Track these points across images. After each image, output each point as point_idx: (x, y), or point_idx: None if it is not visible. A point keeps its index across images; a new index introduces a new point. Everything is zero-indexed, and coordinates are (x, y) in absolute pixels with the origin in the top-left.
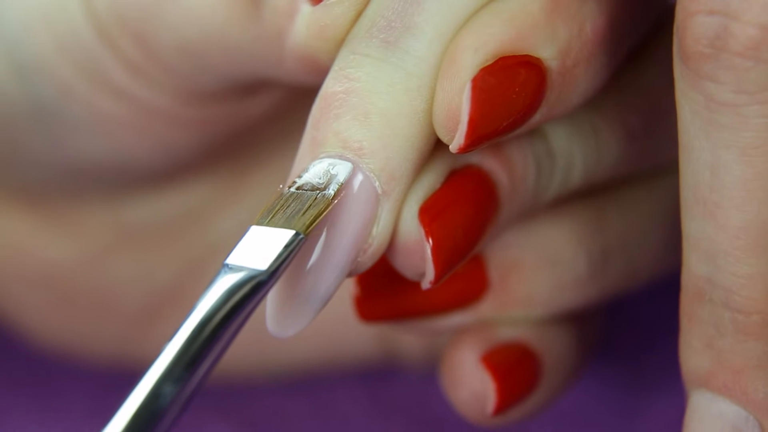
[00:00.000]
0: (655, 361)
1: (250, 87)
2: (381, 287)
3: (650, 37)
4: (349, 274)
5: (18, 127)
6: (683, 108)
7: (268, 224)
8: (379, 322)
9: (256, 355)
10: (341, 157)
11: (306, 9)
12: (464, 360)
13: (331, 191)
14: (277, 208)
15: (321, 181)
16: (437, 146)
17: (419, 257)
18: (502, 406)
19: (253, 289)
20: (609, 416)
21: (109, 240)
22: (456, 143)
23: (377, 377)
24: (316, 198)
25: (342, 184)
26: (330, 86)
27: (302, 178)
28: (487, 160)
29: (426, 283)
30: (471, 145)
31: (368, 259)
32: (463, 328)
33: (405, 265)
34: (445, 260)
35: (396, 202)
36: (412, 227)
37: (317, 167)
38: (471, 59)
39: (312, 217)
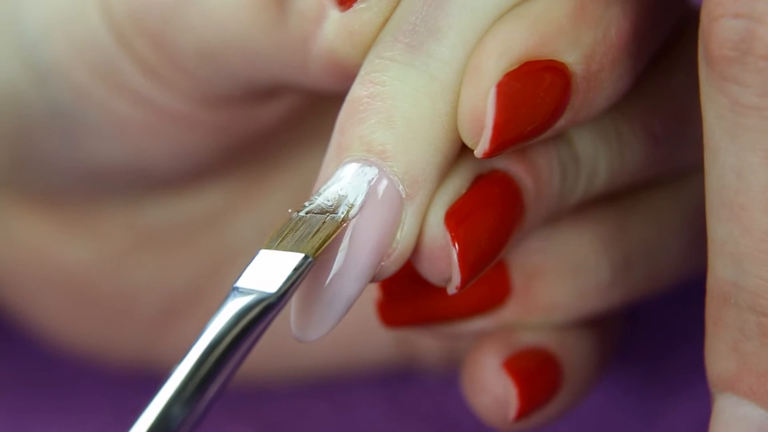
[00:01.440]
0: (674, 366)
1: (267, 91)
2: (404, 292)
3: (672, 40)
4: (373, 280)
5: (36, 130)
6: (708, 111)
7: (277, 248)
8: (402, 327)
9: (275, 358)
10: (365, 161)
11: (335, 15)
12: (486, 366)
13: (340, 214)
14: (286, 232)
15: (330, 204)
16: (462, 151)
17: (445, 263)
18: (524, 412)
19: (263, 312)
20: (628, 421)
21: (128, 243)
22: (481, 148)
23: (396, 381)
24: (324, 221)
25: (351, 205)
26: (356, 91)
27: (312, 203)
28: (512, 165)
29: (452, 289)
30: (496, 149)
31: (392, 264)
32: (484, 333)
33: (431, 271)
34: (471, 265)
35: (420, 206)
36: (437, 232)
37: (328, 191)
38: (495, 64)
39: (321, 240)
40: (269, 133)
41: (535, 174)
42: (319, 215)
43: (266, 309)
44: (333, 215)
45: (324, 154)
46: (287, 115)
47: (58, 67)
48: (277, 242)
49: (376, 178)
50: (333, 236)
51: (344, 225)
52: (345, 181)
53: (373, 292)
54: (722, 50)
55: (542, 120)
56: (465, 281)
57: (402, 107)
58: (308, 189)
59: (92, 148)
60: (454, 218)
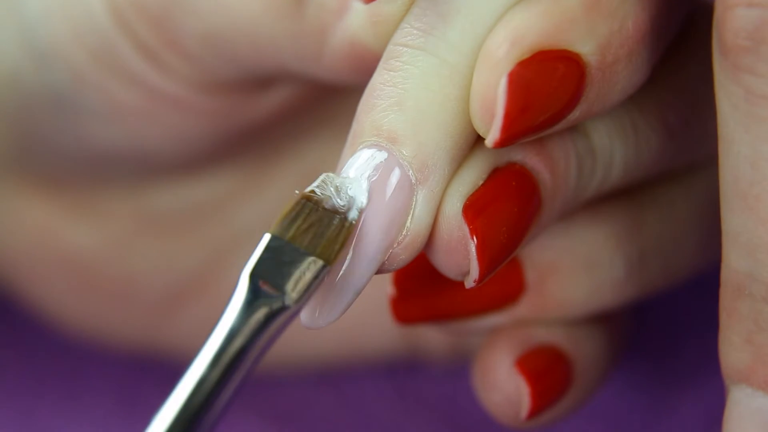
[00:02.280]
0: (683, 359)
1: (267, 80)
2: (417, 289)
3: (685, 32)
4: (385, 269)
5: (37, 113)
6: (722, 101)
7: (290, 239)
8: (415, 324)
9: (280, 347)
10: (377, 146)
11: (358, 6)
12: (498, 364)
13: (351, 219)
14: (299, 222)
15: (343, 204)
16: (478, 142)
17: (462, 255)
18: (536, 411)
19: (275, 317)
20: (637, 414)
21: (131, 227)
22: (491, 137)
23: (404, 371)
24: (335, 222)
25: (362, 209)
26: (373, 79)
27: (319, 188)
28: (530, 158)
29: (470, 282)
30: (507, 139)
31: (402, 250)
32: (496, 328)
33: (447, 264)
34: (490, 258)
35: (431, 192)
36: (454, 224)
37: (340, 185)
38: (507, 53)
39: (339, 246)
40: (269, 122)
41: (552, 167)
42: (330, 212)
43: (279, 315)
44: (346, 219)
45: (327, 143)
46: (287, 105)
47: (56, 50)
48: (290, 231)
49: (384, 163)
50: (349, 243)
51: (356, 232)
52: (354, 176)
53: (380, 283)
54: (736, 40)
55: (555, 110)
56: (483, 275)
57: (411, 91)
58: (312, 177)
59: (91, 132)
60: (472, 210)
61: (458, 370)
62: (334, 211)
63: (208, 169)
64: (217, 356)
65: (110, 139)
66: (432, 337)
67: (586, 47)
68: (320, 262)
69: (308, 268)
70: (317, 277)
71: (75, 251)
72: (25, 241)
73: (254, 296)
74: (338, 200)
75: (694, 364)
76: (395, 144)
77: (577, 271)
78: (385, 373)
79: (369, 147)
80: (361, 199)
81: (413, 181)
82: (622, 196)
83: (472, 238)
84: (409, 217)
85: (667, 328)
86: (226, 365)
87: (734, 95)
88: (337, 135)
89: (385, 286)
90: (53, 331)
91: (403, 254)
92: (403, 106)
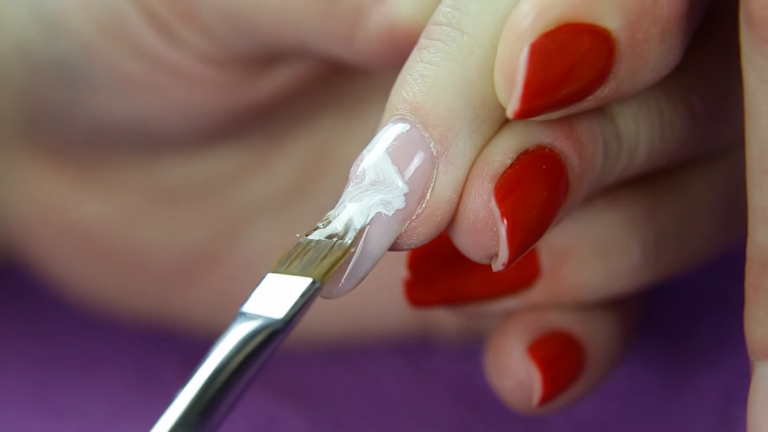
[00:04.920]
0: (698, 338)
1: (280, 56)
2: (431, 272)
3: (709, 17)
4: (401, 242)
5: (42, 82)
6: (749, 75)
7: (285, 272)
8: (429, 307)
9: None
10: (402, 119)
11: None
12: (511, 350)
13: (348, 240)
14: (294, 257)
15: (339, 230)
16: (506, 125)
17: (488, 236)
18: (548, 397)
19: (269, 338)
20: (652, 393)
21: (140, 200)
22: (511, 107)
23: (418, 347)
24: (333, 246)
25: (359, 231)
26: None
27: (321, 231)
28: (559, 142)
29: (498, 266)
30: (527, 110)
31: (420, 223)
32: (509, 313)
33: (472, 244)
34: (520, 242)
35: (451, 165)
36: (480, 203)
37: (338, 219)
38: (532, 24)
39: (329, 264)
40: (279, 97)
41: (580, 152)
42: (327, 240)
43: (272, 335)
44: (341, 241)
45: (337, 120)
46: (298, 81)
47: (64, 20)
48: (285, 266)
49: (406, 134)
50: (341, 261)
51: (352, 251)
52: (353, 207)
53: (393, 262)
54: (764, 12)
55: (581, 85)
56: (512, 258)
57: (436, 63)
58: (321, 156)
59: (98, 103)
60: (502, 191)
61: (473, 347)
62: (330, 238)
63: (217, 143)
64: (208, 381)
65: (118, 111)
66: (444, 317)
67: (614, 22)
68: (308, 280)
69: (297, 287)
70: (305, 295)
71: (84, 222)
72: (36, 210)
73: (245, 322)
74: (336, 228)
75: (709, 343)
76: (416, 115)
77: (592, 256)
78: (400, 349)
79: (395, 121)
80: (358, 223)
81: (434, 152)
82: (639, 182)
83: (503, 221)
84: (429, 190)
85: (683, 306)
86: (216, 389)
87: (762, 69)
88: (348, 112)
89: (399, 265)
90: (69, 306)
91: (422, 227)
92: (426, 78)
